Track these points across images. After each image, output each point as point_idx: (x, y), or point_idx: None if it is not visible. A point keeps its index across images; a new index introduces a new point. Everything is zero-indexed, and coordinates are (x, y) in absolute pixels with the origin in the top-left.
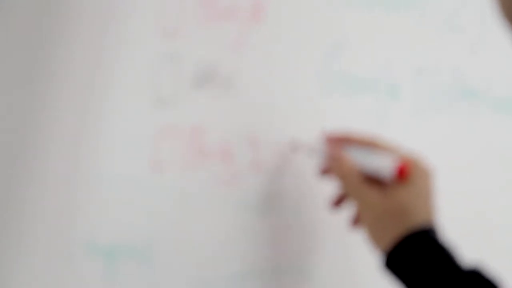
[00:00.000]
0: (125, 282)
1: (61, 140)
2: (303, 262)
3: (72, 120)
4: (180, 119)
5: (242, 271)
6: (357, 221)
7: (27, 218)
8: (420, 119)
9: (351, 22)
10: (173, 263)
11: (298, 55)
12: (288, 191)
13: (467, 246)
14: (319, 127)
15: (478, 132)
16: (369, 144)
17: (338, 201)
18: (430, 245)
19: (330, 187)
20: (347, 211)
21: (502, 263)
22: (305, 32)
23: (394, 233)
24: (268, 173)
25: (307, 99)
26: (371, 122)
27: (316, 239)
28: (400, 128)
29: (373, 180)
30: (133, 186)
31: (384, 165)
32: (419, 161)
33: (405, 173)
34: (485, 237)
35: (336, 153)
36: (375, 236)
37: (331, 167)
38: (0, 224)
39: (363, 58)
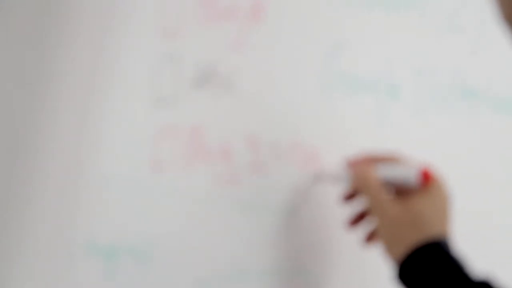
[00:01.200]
0: (125, 282)
1: (61, 140)
2: (303, 262)
3: (72, 120)
4: (180, 119)
5: (242, 271)
6: (371, 238)
7: (27, 218)
8: (420, 119)
9: (351, 22)
10: (173, 263)
11: (298, 55)
12: (287, 191)
13: (467, 247)
14: (319, 127)
15: (478, 132)
16: (390, 160)
17: (356, 220)
18: (442, 257)
19: (331, 187)
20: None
21: (502, 262)
22: (305, 32)
23: (409, 242)
24: (268, 173)
25: (307, 99)
26: (371, 122)
27: (317, 239)
28: (400, 128)
29: (397, 193)
30: (133, 186)
31: (408, 172)
32: (438, 174)
33: (429, 177)
34: (485, 237)
35: (361, 171)
36: (390, 247)
37: (357, 186)
38: (0, 224)
39: (363, 58)
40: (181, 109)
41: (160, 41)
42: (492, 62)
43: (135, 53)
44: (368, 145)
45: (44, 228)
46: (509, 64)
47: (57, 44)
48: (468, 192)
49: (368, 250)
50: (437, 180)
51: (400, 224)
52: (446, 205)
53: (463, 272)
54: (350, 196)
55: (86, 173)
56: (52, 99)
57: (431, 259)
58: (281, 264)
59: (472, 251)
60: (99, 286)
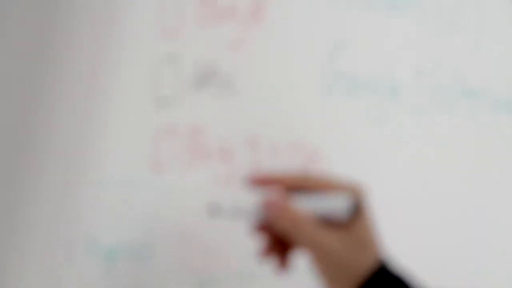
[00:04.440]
0: (125, 282)
1: (61, 141)
2: (303, 262)
3: (72, 120)
4: (180, 119)
5: (242, 271)
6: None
7: (28, 218)
8: (420, 119)
9: (351, 22)
10: (173, 263)
11: (298, 55)
12: None
13: (468, 247)
14: (319, 127)
15: (478, 132)
16: (303, 184)
17: (270, 250)
18: (392, 279)
19: None
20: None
21: (502, 262)
22: (305, 32)
23: (358, 272)
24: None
25: (307, 99)
26: (371, 122)
27: None
28: (400, 128)
29: (325, 222)
30: (133, 186)
31: (339, 206)
32: (355, 188)
33: (360, 208)
34: (485, 237)
35: (279, 203)
36: (335, 281)
37: (275, 219)
38: (0, 224)
39: (363, 58)
40: (181, 109)
41: (160, 41)
42: (492, 62)
43: (135, 53)
44: (368, 145)
45: (44, 228)
46: (509, 64)
47: (57, 44)
48: (468, 192)
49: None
50: (362, 200)
51: (346, 256)
52: (375, 220)
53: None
54: (262, 226)
55: (86, 173)
56: (52, 99)
57: (385, 283)
58: None
59: (474, 252)
60: (99, 286)
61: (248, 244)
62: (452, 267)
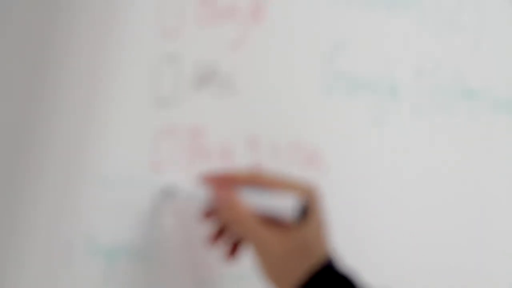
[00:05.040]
0: (125, 281)
1: (61, 140)
2: None
3: (72, 120)
4: (180, 119)
5: (242, 271)
6: (234, 251)
7: (27, 218)
8: (420, 119)
9: (351, 22)
10: (173, 263)
11: (298, 55)
12: None
13: (468, 247)
14: (319, 127)
15: (478, 132)
16: (255, 182)
17: (217, 236)
18: (336, 279)
19: None
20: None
21: (502, 262)
22: (305, 32)
23: (299, 273)
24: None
25: (307, 99)
26: (371, 122)
27: None
28: (400, 128)
29: (271, 221)
30: (133, 186)
31: (285, 206)
32: (306, 189)
33: (310, 209)
34: (485, 236)
35: (225, 195)
36: (278, 280)
37: (220, 210)
38: (0, 224)
39: (363, 58)
40: (181, 109)
41: (160, 41)
42: (492, 62)
43: (135, 53)
44: (368, 145)
45: (44, 228)
46: (509, 64)
47: (56, 44)
48: (468, 192)
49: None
50: (311, 201)
51: (286, 257)
52: (324, 221)
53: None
54: (210, 214)
55: (86, 173)
56: (52, 99)
57: (328, 282)
58: None
59: (475, 252)
60: (99, 286)
61: None
62: (452, 267)
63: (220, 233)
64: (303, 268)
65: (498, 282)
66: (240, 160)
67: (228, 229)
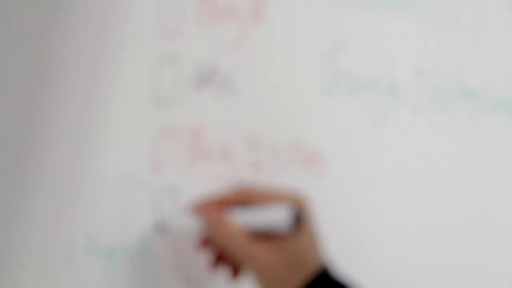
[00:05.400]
0: (125, 282)
1: (61, 140)
2: None
3: (71, 120)
4: (180, 119)
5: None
6: (236, 276)
7: (27, 218)
8: (420, 119)
9: (351, 22)
10: (173, 263)
11: (298, 55)
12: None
13: (468, 247)
14: (319, 127)
15: (478, 132)
16: (244, 199)
17: (216, 263)
18: (333, 287)
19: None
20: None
21: (502, 262)
22: (305, 32)
23: (295, 283)
24: (268, 173)
25: (307, 99)
26: (371, 122)
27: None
28: (400, 128)
29: (266, 235)
30: (133, 186)
31: (278, 218)
32: (296, 198)
33: (301, 218)
34: (485, 237)
35: (215, 219)
36: None
37: (211, 235)
38: (0, 224)
39: (363, 58)
40: (181, 109)
41: (160, 41)
42: (492, 62)
43: (135, 53)
44: (368, 145)
45: (44, 228)
46: (509, 64)
47: (56, 44)
48: (468, 192)
49: None
50: (302, 212)
51: (280, 269)
52: (316, 230)
53: None
54: (205, 242)
55: (86, 173)
56: (52, 99)
57: None
58: None
59: (476, 252)
60: (99, 285)
61: None
62: (452, 267)
63: (219, 259)
64: (299, 278)
65: (498, 282)
66: (240, 160)
67: (224, 253)
